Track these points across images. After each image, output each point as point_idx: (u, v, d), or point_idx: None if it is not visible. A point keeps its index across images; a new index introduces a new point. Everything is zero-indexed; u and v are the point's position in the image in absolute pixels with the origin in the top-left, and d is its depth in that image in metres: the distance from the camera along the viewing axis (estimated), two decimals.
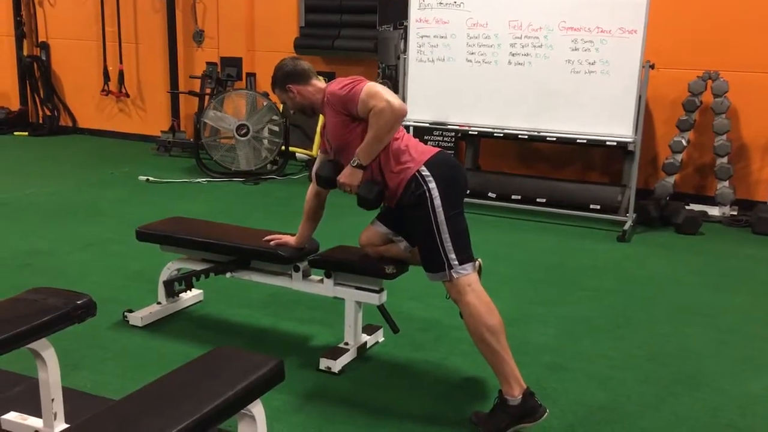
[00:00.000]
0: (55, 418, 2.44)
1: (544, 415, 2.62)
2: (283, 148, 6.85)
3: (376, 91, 2.66)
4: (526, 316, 3.74)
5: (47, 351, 2.35)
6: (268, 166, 6.94)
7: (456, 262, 2.65)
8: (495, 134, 5.84)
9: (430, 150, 2.79)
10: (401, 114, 2.66)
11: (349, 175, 2.77)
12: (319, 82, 2.96)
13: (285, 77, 2.94)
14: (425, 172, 2.69)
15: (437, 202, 2.65)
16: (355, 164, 2.74)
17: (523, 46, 5.55)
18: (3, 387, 2.84)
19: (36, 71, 8.82)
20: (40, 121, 9.02)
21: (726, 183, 5.76)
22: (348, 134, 2.77)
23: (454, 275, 2.65)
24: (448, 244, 2.65)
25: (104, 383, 2.93)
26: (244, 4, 7.71)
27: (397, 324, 3.19)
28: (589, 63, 5.36)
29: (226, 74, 7.54)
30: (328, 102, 2.79)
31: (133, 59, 8.43)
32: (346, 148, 2.80)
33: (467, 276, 2.67)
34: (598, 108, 5.38)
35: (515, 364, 2.65)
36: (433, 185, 2.67)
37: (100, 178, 6.73)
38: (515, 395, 2.61)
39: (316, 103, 2.93)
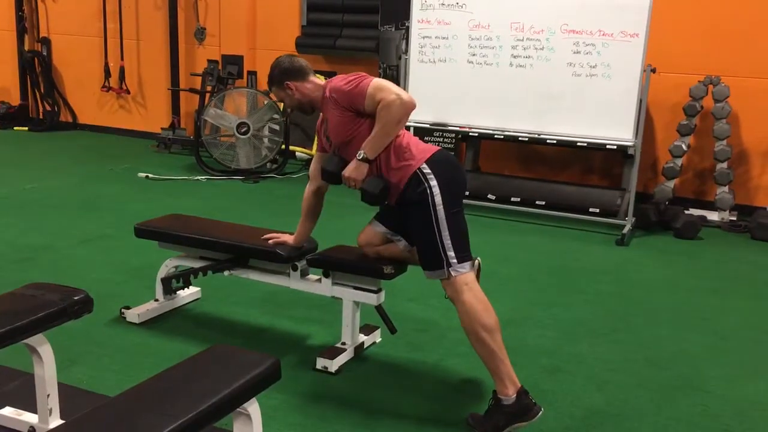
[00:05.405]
0: (50, 414, 2.43)
1: (539, 414, 2.62)
2: (283, 146, 6.85)
3: (384, 85, 2.66)
4: (524, 318, 3.74)
5: (43, 346, 2.35)
6: (268, 164, 6.94)
7: (454, 260, 2.65)
8: (495, 136, 5.84)
9: (431, 148, 2.79)
10: (410, 107, 2.65)
11: (354, 169, 2.73)
12: (317, 79, 2.95)
13: (283, 74, 2.93)
14: (426, 170, 2.69)
15: (438, 199, 2.65)
16: (360, 158, 2.70)
17: (524, 48, 5.54)
18: None
19: (37, 66, 8.81)
20: (41, 117, 9.01)
21: (726, 188, 5.76)
22: (352, 131, 2.76)
23: (452, 273, 2.65)
24: (448, 242, 2.64)
25: (100, 380, 2.92)
26: (246, 2, 7.71)
27: (394, 324, 3.18)
28: (591, 66, 5.35)
29: (227, 72, 7.54)
30: (330, 98, 2.78)
31: (135, 56, 8.43)
32: (349, 145, 2.78)
33: (465, 275, 2.67)
34: (599, 111, 5.37)
35: (510, 364, 2.64)
36: (434, 183, 2.66)
37: (100, 175, 6.72)
38: (509, 394, 2.61)
39: (315, 100, 2.91)
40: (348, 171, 2.75)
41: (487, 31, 5.65)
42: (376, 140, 2.68)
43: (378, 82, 2.68)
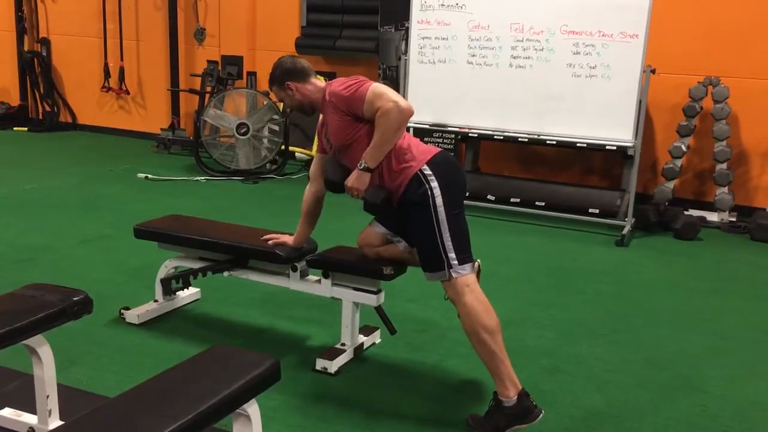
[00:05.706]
0: (49, 415, 2.43)
1: (539, 416, 2.62)
2: (282, 147, 6.85)
3: (382, 91, 2.66)
4: (524, 319, 3.74)
5: (43, 347, 2.34)
6: (268, 165, 6.94)
7: (455, 262, 2.65)
8: (495, 137, 5.84)
9: (431, 149, 2.79)
10: (408, 114, 2.66)
11: (356, 179, 2.74)
12: (319, 81, 2.96)
13: (284, 74, 2.93)
14: (427, 171, 2.69)
15: (439, 200, 2.65)
16: (362, 167, 2.72)
17: (524, 49, 5.54)
18: None
19: (36, 67, 8.81)
20: (40, 117, 9.00)
21: (725, 189, 5.76)
22: (352, 135, 2.76)
23: (453, 275, 2.65)
24: (449, 243, 2.64)
25: (100, 380, 2.92)
26: (246, 2, 7.71)
27: (394, 325, 3.18)
28: (590, 67, 5.36)
29: (227, 73, 7.54)
30: (330, 102, 2.78)
31: (134, 56, 8.43)
32: (349, 148, 2.79)
33: (466, 276, 2.67)
34: (599, 112, 5.37)
35: (511, 365, 2.64)
36: (435, 184, 2.67)
37: (100, 175, 6.72)
38: (510, 396, 2.61)
39: (316, 102, 2.92)
40: (350, 181, 2.76)
41: (487, 32, 5.65)
42: (376, 149, 2.68)
43: (376, 87, 2.68)
